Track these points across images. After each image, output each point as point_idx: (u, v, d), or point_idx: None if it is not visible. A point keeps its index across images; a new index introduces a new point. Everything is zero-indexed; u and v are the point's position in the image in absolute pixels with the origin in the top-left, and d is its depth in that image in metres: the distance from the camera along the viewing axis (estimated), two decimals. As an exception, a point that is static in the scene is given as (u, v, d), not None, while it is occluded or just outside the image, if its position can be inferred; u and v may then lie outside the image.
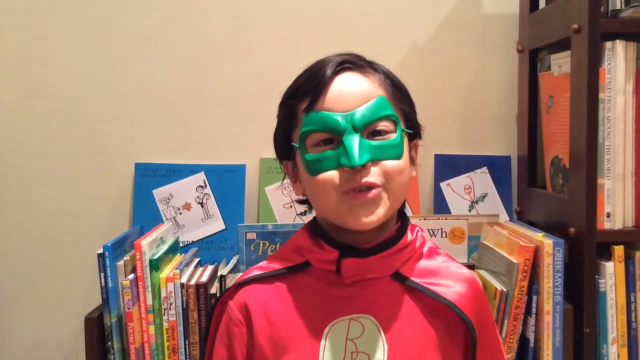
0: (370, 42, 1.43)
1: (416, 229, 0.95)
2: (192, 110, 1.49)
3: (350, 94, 0.86)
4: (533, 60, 1.43)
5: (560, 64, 1.29)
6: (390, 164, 0.85)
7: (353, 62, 0.88)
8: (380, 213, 0.85)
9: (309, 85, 0.87)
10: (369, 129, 0.85)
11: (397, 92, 0.90)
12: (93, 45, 1.48)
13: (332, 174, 0.84)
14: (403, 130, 0.88)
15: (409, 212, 1.44)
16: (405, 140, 0.89)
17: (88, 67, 1.48)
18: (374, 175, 0.84)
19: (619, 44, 1.16)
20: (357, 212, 0.84)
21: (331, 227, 0.90)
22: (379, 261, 0.88)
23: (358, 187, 0.83)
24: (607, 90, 1.17)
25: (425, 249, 0.93)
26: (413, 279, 0.88)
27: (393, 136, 0.86)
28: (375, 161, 0.84)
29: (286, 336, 0.86)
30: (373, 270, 0.88)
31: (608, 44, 1.16)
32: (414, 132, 0.92)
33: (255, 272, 0.93)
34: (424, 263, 0.91)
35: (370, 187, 0.83)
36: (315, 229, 0.93)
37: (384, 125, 0.86)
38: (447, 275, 0.90)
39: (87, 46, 1.47)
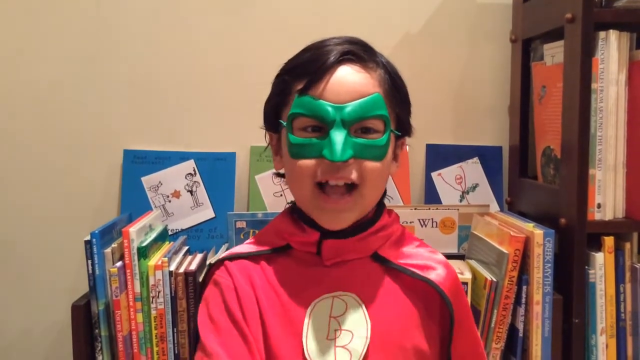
0: (362, 31, 1.39)
1: (393, 213, 0.97)
2: (182, 97, 1.48)
3: (347, 87, 0.85)
4: (526, 50, 1.42)
5: (553, 53, 1.28)
6: (370, 164, 0.86)
7: (356, 54, 0.88)
8: (349, 219, 0.88)
9: (309, 68, 0.87)
10: (357, 125, 0.86)
11: (395, 91, 0.90)
12: (81, 32, 1.45)
13: (312, 163, 0.86)
14: (392, 131, 0.88)
15: (400, 201, 1.44)
16: (392, 139, 0.90)
17: (77, 54, 1.46)
18: (353, 172, 0.85)
19: (613, 34, 1.15)
20: (327, 216, 0.87)
21: None
22: (358, 242, 0.90)
23: (334, 181, 0.85)
24: (600, 81, 1.16)
25: (402, 234, 0.96)
26: (391, 259, 0.90)
27: (380, 136, 0.87)
28: (356, 159, 0.85)
29: (268, 313, 0.87)
30: (352, 251, 0.90)
31: (602, 34, 1.15)
32: (402, 134, 0.93)
33: (239, 249, 0.94)
34: (400, 246, 0.94)
35: (345, 183, 0.85)
36: (295, 212, 0.94)
37: (373, 123, 0.87)
38: (424, 258, 0.93)
39: (75, 33, 1.45)
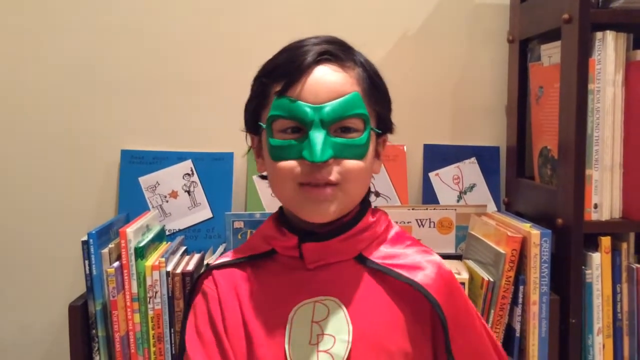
0: (359, 32, 1.40)
1: (379, 213, 0.95)
2: (179, 97, 1.48)
3: (324, 87, 0.85)
4: (523, 51, 1.42)
5: (550, 54, 1.28)
6: (351, 163, 0.86)
7: (334, 54, 0.87)
8: (332, 210, 0.87)
9: (286, 69, 0.87)
10: (337, 125, 0.86)
11: (374, 89, 0.90)
12: (78, 32, 1.45)
13: (292, 164, 0.86)
14: (372, 129, 0.88)
15: (397, 201, 1.44)
16: (373, 136, 0.90)
17: (75, 54, 1.45)
18: (333, 172, 0.85)
19: (610, 35, 1.16)
20: (310, 207, 0.86)
21: (292, 213, 0.91)
22: (339, 244, 0.89)
23: (315, 182, 0.85)
24: (597, 81, 1.16)
25: (391, 234, 0.94)
26: (377, 261, 0.89)
27: (359, 135, 0.87)
28: (337, 158, 0.85)
29: (253, 321, 0.88)
30: (334, 254, 0.89)
31: (598, 35, 1.16)
32: (383, 131, 0.93)
33: (225, 258, 0.95)
34: (388, 247, 0.92)
35: (327, 183, 0.85)
36: (280, 216, 0.94)
37: (352, 122, 0.86)
38: (413, 259, 0.91)
39: (72, 33, 1.45)
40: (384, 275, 0.89)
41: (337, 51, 0.88)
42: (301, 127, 0.85)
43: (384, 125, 0.93)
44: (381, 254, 0.91)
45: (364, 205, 0.94)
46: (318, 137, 0.83)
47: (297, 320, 0.86)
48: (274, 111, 0.86)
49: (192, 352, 0.87)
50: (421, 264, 0.90)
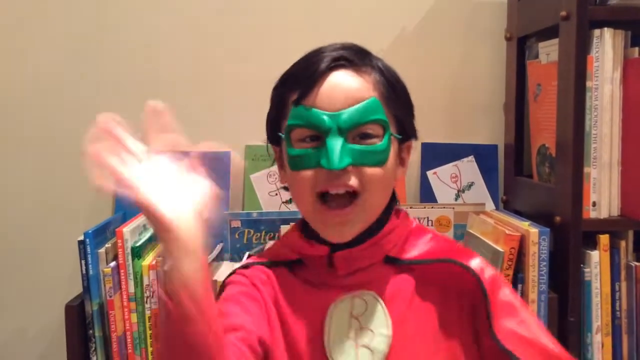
0: (357, 29, 1.41)
1: (402, 213, 0.95)
2: (176, 96, 1.46)
3: (341, 94, 0.84)
4: (521, 48, 1.42)
5: (548, 51, 1.28)
6: (371, 170, 0.84)
7: (349, 59, 0.86)
8: (353, 230, 0.86)
9: (301, 77, 0.85)
10: (355, 132, 0.84)
11: (393, 94, 0.88)
12: (78, 30, 1.45)
13: (311, 173, 0.84)
14: (392, 135, 0.87)
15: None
16: (395, 143, 0.88)
17: (73, 52, 1.45)
18: (352, 179, 0.83)
19: (607, 32, 1.15)
20: (331, 230, 0.86)
21: None
22: (369, 249, 0.88)
23: (334, 189, 0.83)
24: (595, 79, 1.16)
25: (413, 226, 0.93)
26: (406, 257, 0.89)
27: (379, 142, 0.85)
28: (356, 166, 0.83)
29: (290, 314, 0.86)
30: (364, 258, 0.88)
31: (596, 32, 1.15)
32: (403, 137, 0.90)
33: (254, 260, 0.93)
34: (413, 241, 0.91)
35: (347, 191, 0.83)
36: (303, 227, 0.92)
37: (371, 128, 0.84)
38: (433, 249, 0.90)
39: (72, 31, 1.45)
40: (412, 268, 0.88)
41: (352, 56, 0.86)
42: (319, 135, 0.84)
43: (406, 131, 0.91)
44: (407, 250, 0.90)
45: (388, 207, 0.92)
46: (335, 144, 0.81)
47: (337, 314, 0.86)
48: (291, 120, 0.85)
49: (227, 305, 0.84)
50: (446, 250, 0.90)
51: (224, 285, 0.91)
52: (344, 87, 0.84)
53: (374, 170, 0.84)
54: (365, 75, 0.86)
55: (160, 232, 0.68)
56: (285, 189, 0.96)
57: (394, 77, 0.89)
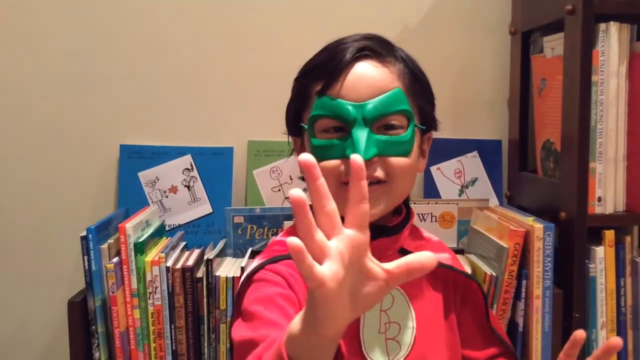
0: (361, 24, 1.39)
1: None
2: (179, 92, 1.47)
3: (366, 84, 0.84)
4: (526, 43, 1.41)
5: (553, 46, 1.27)
6: (396, 160, 0.84)
7: (373, 49, 0.86)
8: (377, 210, 0.85)
9: (325, 68, 0.85)
10: (380, 122, 0.84)
11: (416, 84, 0.89)
12: (77, 25, 1.44)
13: (336, 163, 0.84)
14: (416, 125, 0.87)
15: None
16: (418, 134, 0.88)
17: (74, 49, 1.44)
18: (378, 170, 0.84)
19: (613, 26, 1.14)
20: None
21: None
22: (393, 242, 0.90)
23: None
24: (600, 73, 1.15)
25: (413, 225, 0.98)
26: (414, 251, 0.90)
27: (404, 132, 0.85)
28: (381, 156, 0.83)
29: None
30: (384, 250, 0.88)
31: (602, 26, 1.14)
32: (427, 128, 0.91)
33: (277, 253, 0.90)
34: (415, 237, 0.96)
35: (372, 181, 0.83)
36: None
37: (396, 119, 0.85)
38: (434, 245, 0.97)
39: (71, 28, 1.44)
40: None
41: (376, 47, 0.86)
42: (344, 126, 0.84)
43: (428, 122, 0.92)
44: (415, 245, 0.93)
45: (408, 208, 0.93)
46: (361, 135, 0.81)
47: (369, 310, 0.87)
48: (315, 111, 0.85)
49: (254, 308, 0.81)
50: (442, 250, 0.97)
51: (250, 279, 0.87)
52: (369, 77, 0.84)
53: (398, 160, 0.85)
54: (390, 66, 0.86)
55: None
56: (302, 179, 0.95)
57: (417, 68, 0.90)
